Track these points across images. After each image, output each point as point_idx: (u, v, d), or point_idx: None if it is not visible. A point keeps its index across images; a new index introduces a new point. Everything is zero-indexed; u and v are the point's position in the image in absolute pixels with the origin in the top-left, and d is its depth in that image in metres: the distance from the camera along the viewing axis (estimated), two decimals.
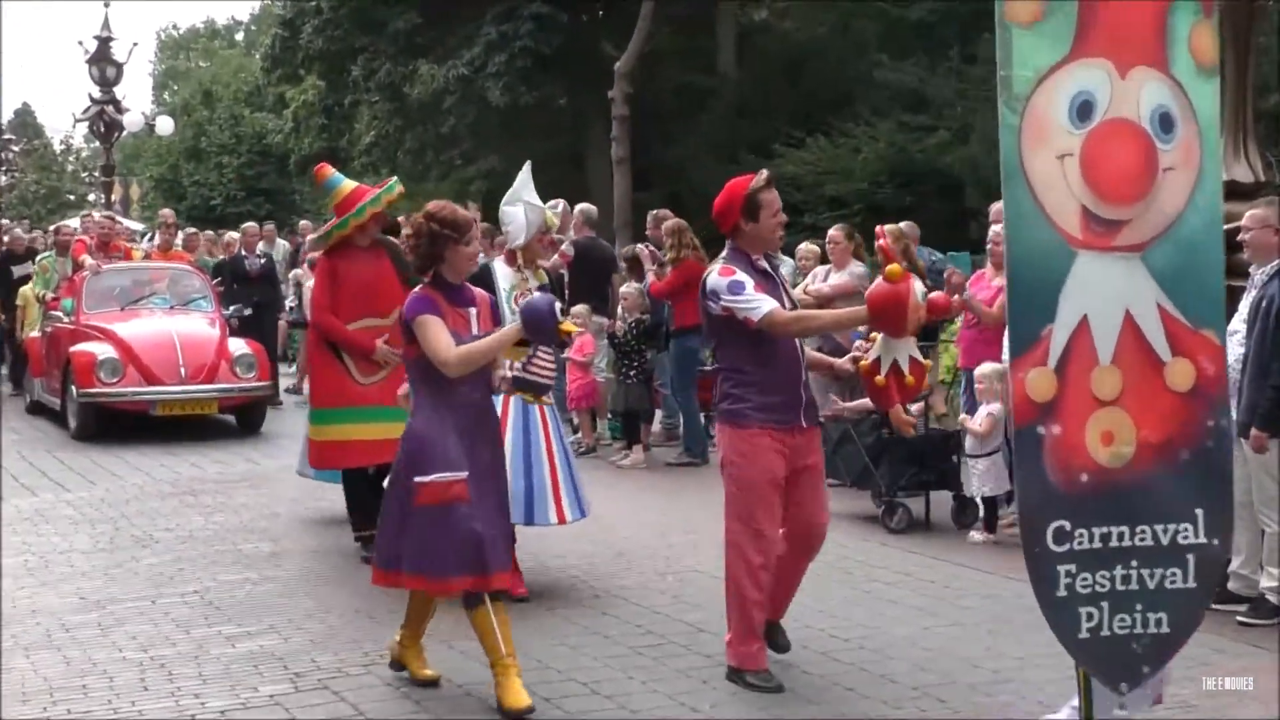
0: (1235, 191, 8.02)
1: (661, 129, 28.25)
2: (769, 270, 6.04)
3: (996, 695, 5.93)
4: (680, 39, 30.75)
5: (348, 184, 8.50)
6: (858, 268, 11.41)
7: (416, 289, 5.80)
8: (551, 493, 7.33)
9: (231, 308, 15.23)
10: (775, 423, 5.87)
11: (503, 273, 7.58)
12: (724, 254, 6.06)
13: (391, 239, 8.56)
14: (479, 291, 6.02)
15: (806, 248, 12.60)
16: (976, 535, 9.03)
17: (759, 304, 5.78)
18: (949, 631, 6.89)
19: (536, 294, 6.29)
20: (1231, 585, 7.18)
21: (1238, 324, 7.10)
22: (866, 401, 10.02)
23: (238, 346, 14.06)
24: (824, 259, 12.03)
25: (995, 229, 9.48)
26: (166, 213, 18.91)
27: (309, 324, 9.13)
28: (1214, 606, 7.10)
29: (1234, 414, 6.99)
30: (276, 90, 40.34)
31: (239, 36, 70.71)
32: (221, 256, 17.79)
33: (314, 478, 9.42)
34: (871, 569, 8.25)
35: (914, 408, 7.01)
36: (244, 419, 14.31)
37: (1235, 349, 7.03)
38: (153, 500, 10.50)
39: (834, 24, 29.23)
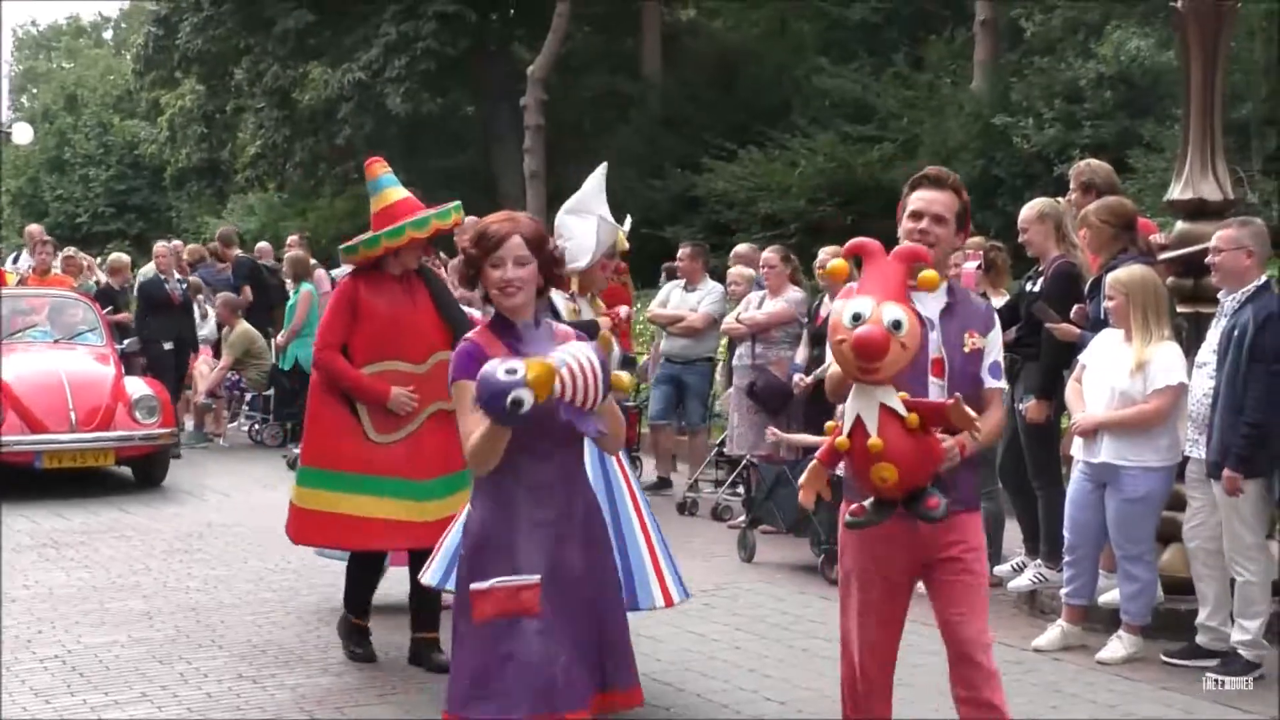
0: (1203, 210, 8.17)
1: (579, 140, 28.35)
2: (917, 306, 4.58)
3: None
4: (600, 40, 30.98)
5: (396, 191, 7.42)
6: (795, 294, 11.50)
7: (467, 335, 4.70)
8: (653, 570, 6.51)
9: (126, 341, 14.92)
10: None
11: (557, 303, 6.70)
12: None
13: (431, 269, 7.91)
14: (562, 329, 4.79)
15: (738, 272, 12.66)
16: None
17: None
18: (896, 693, 6.91)
19: (493, 360, 4.27)
20: (1200, 639, 7.28)
21: (1207, 355, 7.23)
22: (804, 437, 10.11)
23: (137, 387, 13.54)
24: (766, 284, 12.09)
25: None
26: (36, 229, 18.38)
27: (313, 364, 7.60)
28: (1179, 663, 7.24)
29: (1201, 452, 7.14)
30: (150, 95, 40.16)
31: (107, 34, 70.21)
32: (102, 280, 17.53)
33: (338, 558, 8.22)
34: (810, 624, 8.28)
35: None
36: (143, 471, 13.66)
37: (1205, 382, 7.17)
38: (6, 553, 10.34)
39: (769, 24, 29.54)
